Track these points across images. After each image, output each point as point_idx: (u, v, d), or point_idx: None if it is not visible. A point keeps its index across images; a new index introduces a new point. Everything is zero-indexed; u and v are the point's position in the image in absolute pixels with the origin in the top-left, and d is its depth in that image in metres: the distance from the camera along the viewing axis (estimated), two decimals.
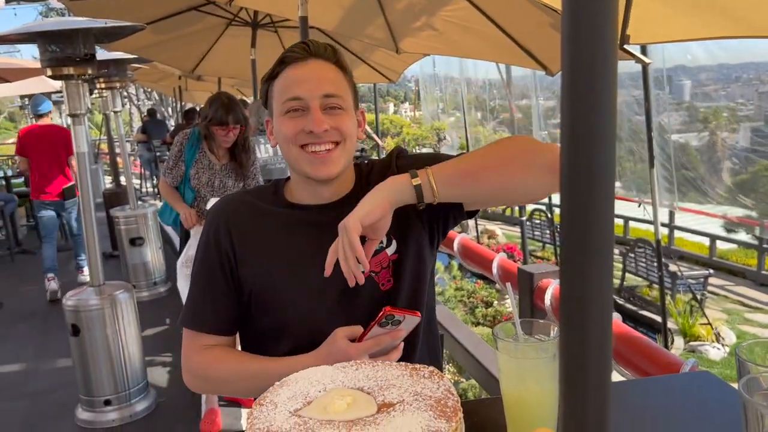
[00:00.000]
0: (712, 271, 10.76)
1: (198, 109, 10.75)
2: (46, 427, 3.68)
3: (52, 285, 6.09)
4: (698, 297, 9.25)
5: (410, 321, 1.18)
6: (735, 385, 0.84)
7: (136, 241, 5.84)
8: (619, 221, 13.43)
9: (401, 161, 1.35)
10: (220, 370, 1.30)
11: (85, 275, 6.00)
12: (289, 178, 1.39)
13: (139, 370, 3.69)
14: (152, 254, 5.97)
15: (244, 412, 3.49)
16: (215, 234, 1.32)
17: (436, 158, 1.24)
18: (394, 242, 1.31)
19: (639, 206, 10.27)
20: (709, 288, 10.38)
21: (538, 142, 1.19)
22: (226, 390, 1.61)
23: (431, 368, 1.01)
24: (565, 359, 0.44)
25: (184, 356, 1.35)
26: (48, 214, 6.06)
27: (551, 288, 2.70)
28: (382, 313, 1.13)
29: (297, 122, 1.25)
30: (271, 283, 1.29)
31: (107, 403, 3.57)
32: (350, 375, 1.01)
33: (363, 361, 1.06)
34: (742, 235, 12.35)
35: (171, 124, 14.22)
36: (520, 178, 1.14)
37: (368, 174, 1.37)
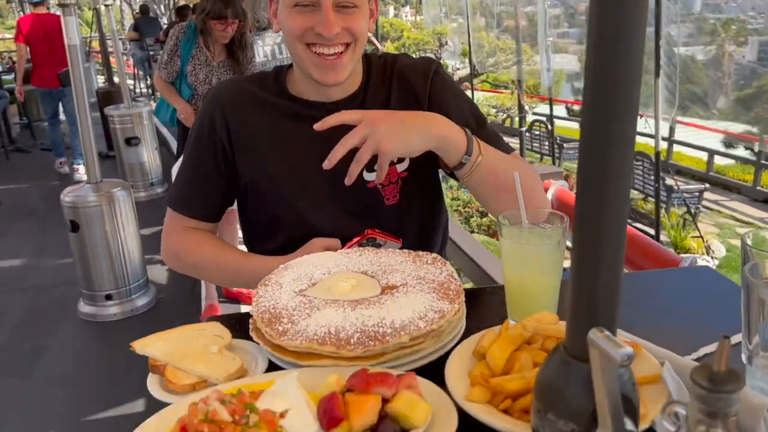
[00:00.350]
0: (707, 185, 10.79)
1: (191, 5, 10.35)
2: (50, 320, 3.78)
3: (65, 169, 6.48)
4: (692, 211, 9.32)
5: (390, 246, 1.18)
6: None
7: (131, 141, 5.79)
8: None
9: (436, 83, 1.30)
10: (194, 256, 1.31)
11: (81, 173, 6.01)
12: (291, 66, 1.32)
13: (138, 267, 3.75)
14: (148, 154, 5.94)
15: (244, 308, 3.58)
16: (210, 119, 1.28)
17: (462, 98, 1.31)
18: (406, 159, 1.27)
19: (641, 118, 10.16)
20: (704, 203, 10.44)
21: (542, 191, 1.29)
22: (197, 275, 1.63)
23: (434, 255, 1.01)
24: (579, 254, 0.45)
25: (164, 233, 1.35)
26: (49, 99, 6.22)
27: (553, 189, 2.72)
28: (363, 234, 1.14)
29: (306, 18, 1.15)
30: (266, 175, 1.27)
31: (108, 297, 3.65)
32: (354, 260, 1.02)
33: (366, 249, 1.07)
34: (741, 151, 12.30)
35: (164, 21, 13.74)
36: (507, 205, 1.09)
37: (389, 69, 1.31)
